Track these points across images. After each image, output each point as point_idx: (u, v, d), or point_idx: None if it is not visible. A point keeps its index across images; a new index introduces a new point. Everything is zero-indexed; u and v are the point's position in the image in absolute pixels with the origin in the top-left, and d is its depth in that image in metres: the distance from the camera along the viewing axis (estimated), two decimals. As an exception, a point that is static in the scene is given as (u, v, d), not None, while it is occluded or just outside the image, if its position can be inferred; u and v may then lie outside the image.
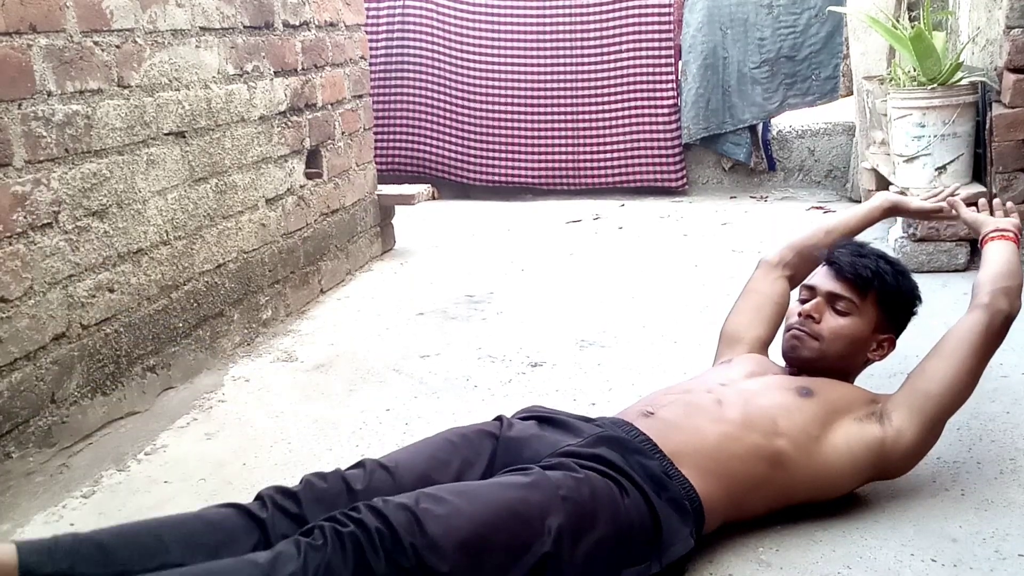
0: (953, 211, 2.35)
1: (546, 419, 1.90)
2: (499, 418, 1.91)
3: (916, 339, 2.19)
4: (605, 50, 5.59)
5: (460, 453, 1.79)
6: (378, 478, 1.70)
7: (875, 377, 2.22)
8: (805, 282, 2.12)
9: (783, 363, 2.10)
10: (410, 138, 5.88)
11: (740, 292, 2.37)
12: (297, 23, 3.56)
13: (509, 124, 5.72)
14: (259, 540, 1.58)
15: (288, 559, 1.45)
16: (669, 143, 5.57)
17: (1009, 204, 2.31)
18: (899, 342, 2.11)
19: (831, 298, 2.03)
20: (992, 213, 2.29)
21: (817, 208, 5.01)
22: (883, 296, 2.03)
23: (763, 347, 2.24)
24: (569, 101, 5.65)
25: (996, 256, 2.10)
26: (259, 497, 1.67)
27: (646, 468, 1.73)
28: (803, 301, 2.08)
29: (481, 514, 1.55)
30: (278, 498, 1.65)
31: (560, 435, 1.82)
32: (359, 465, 1.75)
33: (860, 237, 2.38)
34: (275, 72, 3.39)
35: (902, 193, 3.89)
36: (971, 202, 2.36)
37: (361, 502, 1.55)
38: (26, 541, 1.50)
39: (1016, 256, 2.11)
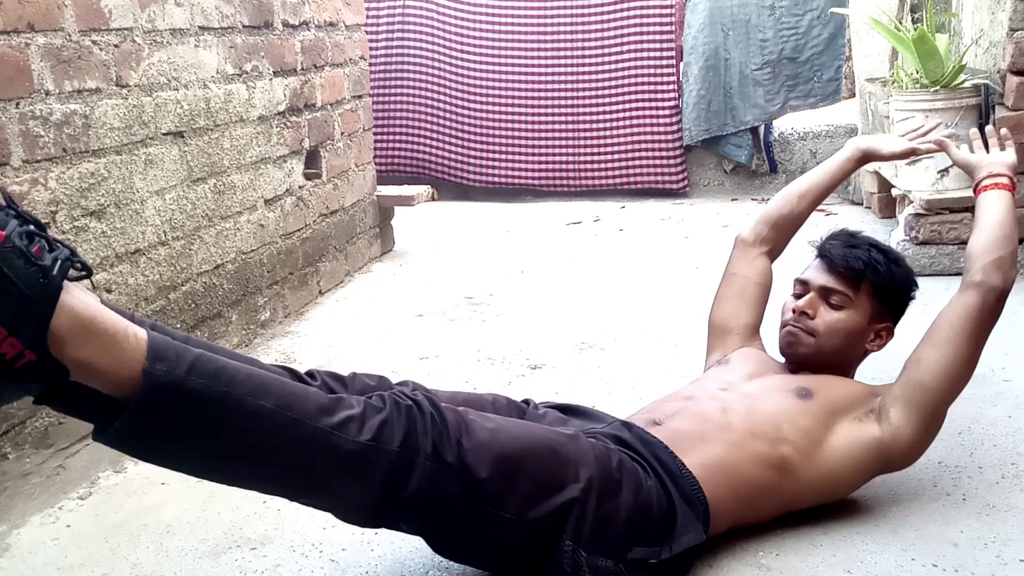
0: (936, 148, 2.25)
1: (569, 409, 1.96)
2: (527, 400, 1.96)
3: (917, 337, 2.17)
4: (606, 51, 5.58)
5: (493, 407, 1.84)
6: (423, 392, 1.72)
7: (876, 373, 2.20)
8: (798, 276, 2.07)
9: (779, 356, 2.08)
10: (410, 139, 5.87)
11: (722, 277, 2.29)
12: (297, 23, 3.55)
13: (509, 125, 5.71)
14: None
15: (350, 405, 1.50)
16: (670, 145, 5.56)
17: (1004, 131, 2.17)
18: (901, 341, 2.08)
19: (824, 292, 2.00)
20: (987, 148, 2.17)
21: (818, 210, 4.99)
22: (877, 286, 1.99)
23: (754, 332, 2.21)
24: (570, 102, 5.64)
25: (989, 216, 1.99)
26: (310, 373, 1.72)
27: (662, 461, 1.75)
28: (796, 296, 2.05)
29: (525, 440, 1.61)
30: (327, 378, 1.72)
31: (583, 422, 1.88)
32: (403, 383, 1.78)
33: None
34: (274, 72, 3.38)
35: (904, 194, 3.89)
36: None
37: (419, 391, 1.62)
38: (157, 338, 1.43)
39: (1011, 211, 1.99)
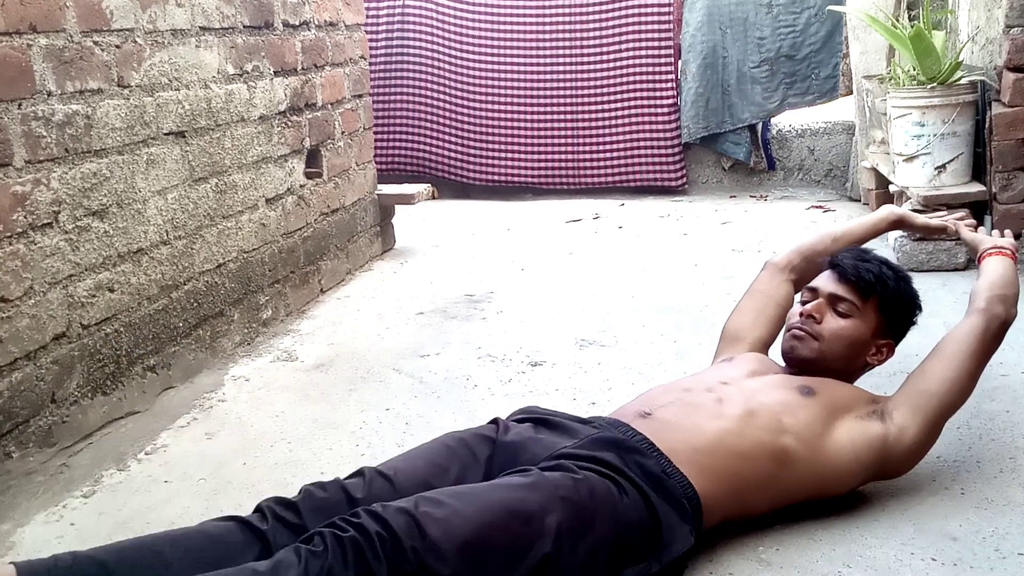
0: (955, 231, 2.41)
1: (542, 421, 1.91)
2: (495, 421, 1.91)
3: (916, 339, 2.19)
4: (605, 49, 5.59)
5: (458, 458, 1.80)
6: (377, 486, 1.71)
7: (875, 376, 2.22)
8: (808, 284, 2.13)
9: (783, 363, 2.10)
10: (410, 138, 5.88)
11: (745, 292, 2.38)
12: (297, 23, 3.56)
13: (509, 123, 5.72)
14: (260, 552, 1.59)
15: (288, 566, 1.45)
16: (669, 142, 5.57)
17: (1008, 232, 2.35)
18: (899, 358, 2.11)
19: (833, 300, 2.04)
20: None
21: (817, 207, 5.01)
22: (884, 301, 2.05)
23: (764, 348, 2.25)
24: (569, 100, 5.65)
25: (993, 268, 2.14)
26: (258, 509, 1.67)
27: (643, 467, 1.73)
28: (805, 302, 2.09)
29: (481, 515, 1.55)
30: (278, 509, 1.66)
31: (556, 437, 1.83)
32: (358, 474, 1.75)
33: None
34: (275, 72, 3.39)
35: (902, 191, 3.91)
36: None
37: (361, 507, 1.55)
38: (25, 561, 1.50)
39: (1013, 270, 2.15)
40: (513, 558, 1.54)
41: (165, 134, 2.75)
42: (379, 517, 1.51)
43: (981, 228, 2.38)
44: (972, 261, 3.59)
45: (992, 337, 2.01)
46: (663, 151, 5.59)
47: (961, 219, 2.47)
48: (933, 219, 2.47)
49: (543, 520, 1.57)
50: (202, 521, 1.69)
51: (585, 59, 5.61)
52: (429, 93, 5.82)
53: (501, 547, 1.54)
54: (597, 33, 5.59)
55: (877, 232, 2.44)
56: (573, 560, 1.58)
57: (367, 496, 1.68)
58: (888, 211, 2.46)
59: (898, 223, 2.45)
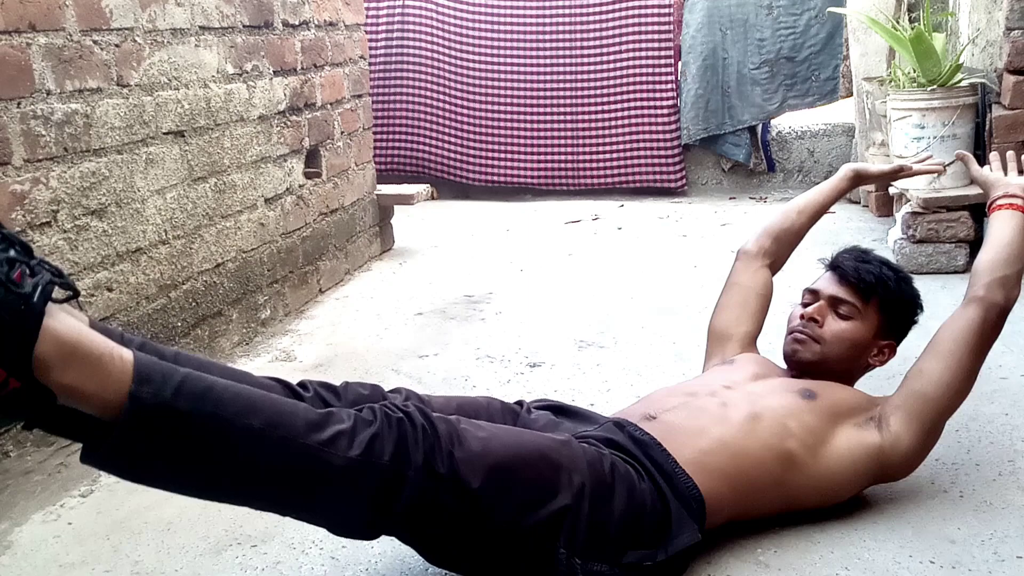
0: (926, 169, 2.41)
1: (561, 410, 1.97)
2: (519, 402, 1.97)
3: (917, 340, 2.18)
4: (605, 50, 5.59)
5: (488, 414, 1.85)
6: (415, 402, 1.73)
7: (875, 379, 2.22)
8: (808, 286, 2.12)
9: (783, 365, 2.10)
10: (409, 138, 5.87)
11: (724, 286, 2.34)
12: (297, 23, 3.56)
13: (508, 124, 5.72)
14: None
15: (339, 419, 1.49)
16: (668, 144, 5.58)
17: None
18: (901, 359, 2.10)
19: (834, 302, 2.03)
20: (1006, 171, 2.21)
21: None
22: (885, 302, 2.03)
23: (752, 341, 2.24)
24: (569, 101, 5.65)
25: (1000, 234, 2.02)
26: (302, 384, 1.72)
27: (654, 460, 1.75)
28: (806, 304, 2.08)
29: (516, 448, 1.61)
30: (320, 389, 1.71)
31: (576, 424, 1.88)
32: (395, 391, 1.79)
33: (855, 240, 2.38)
34: (274, 71, 3.39)
35: (901, 193, 3.90)
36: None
37: (411, 402, 1.62)
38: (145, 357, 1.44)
39: (1020, 232, 2.02)
40: (537, 496, 1.58)
41: (164, 133, 2.75)
42: (426, 415, 1.56)
43: (994, 158, 2.24)
44: (972, 263, 3.60)
45: (991, 328, 1.95)
46: (663, 152, 5.59)
47: (922, 161, 2.46)
48: (888, 163, 2.44)
49: (570, 475, 1.61)
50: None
51: (585, 60, 5.61)
52: (429, 93, 5.81)
53: (528, 482, 1.58)
54: (597, 34, 5.59)
55: (839, 192, 2.40)
56: (588, 523, 1.60)
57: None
58: (845, 169, 2.41)
59: (856, 178, 2.41)
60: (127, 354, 1.36)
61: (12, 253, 1.27)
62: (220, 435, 1.40)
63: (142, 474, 1.45)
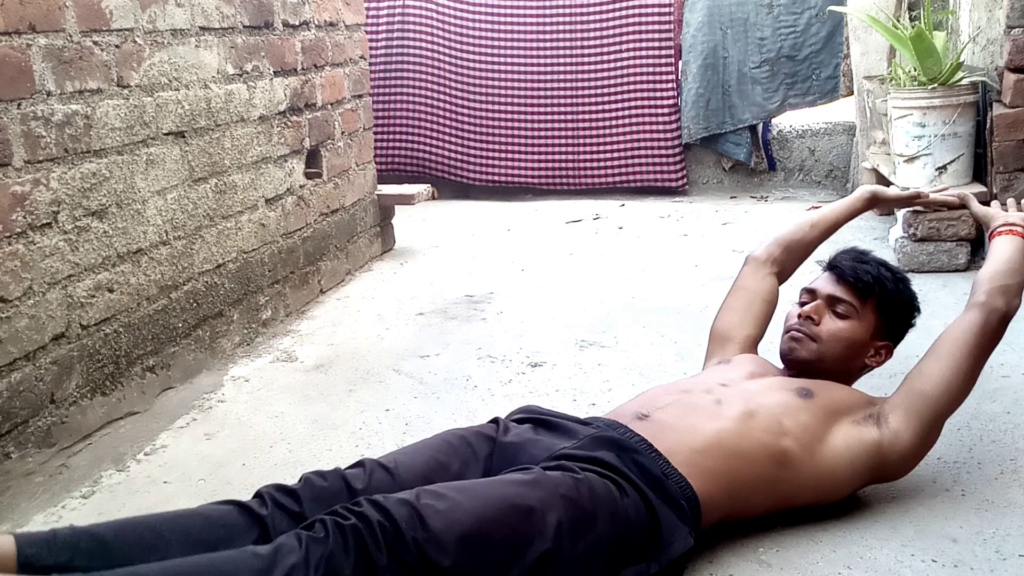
0: (942, 199, 2.41)
1: (541, 422, 1.91)
2: (495, 420, 1.92)
3: (916, 339, 2.18)
4: (605, 50, 5.59)
5: (459, 455, 1.80)
6: (378, 478, 1.71)
7: (874, 378, 2.22)
8: (806, 286, 2.12)
9: (780, 365, 2.10)
10: (410, 138, 5.87)
11: (729, 289, 2.36)
12: (297, 23, 3.56)
13: (509, 124, 5.72)
14: (258, 537, 1.58)
15: (289, 551, 1.44)
16: (669, 143, 5.57)
17: None
18: (898, 359, 2.10)
19: (831, 301, 2.04)
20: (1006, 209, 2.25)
21: (817, 208, 4.98)
22: (883, 302, 2.04)
23: (753, 345, 2.25)
24: (569, 101, 5.65)
25: (1000, 251, 2.07)
26: (258, 495, 1.67)
27: (642, 467, 1.73)
28: (803, 304, 2.08)
29: (482, 509, 1.55)
30: (278, 496, 1.65)
31: (555, 438, 1.83)
32: (359, 465, 1.75)
33: (856, 239, 2.38)
34: (275, 72, 3.39)
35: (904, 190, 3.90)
36: (984, 201, 2.37)
37: (362, 497, 1.55)
38: (25, 533, 1.50)
39: (1020, 252, 2.07)
40: (513, 552, 1.54)
41: (165, 134, 2.75)
42: (381, 507, 1.51)
43: (995, 203, 2.30)
44: (972, 262, 3.60)
45: (992, 332, 1.96)
46: (663, 152, 5.58)
47: (940, 191, 2.48)
48: (905, 191, 2.47)
49: (544, 517, 1.57)
50: (201, 504, 1.68)
51: (586, 59, 5.61)
52: (429, 93, 5.81)
53: (501, 541, 1.54)
54: (598, 33, 5.59)
55: (854, 212, 2.41)
56: (573, 558, 1.58)
57: (367, 487, 1.68)
58: (862, 190, 2.44)
59: (873, 200, 2.42)
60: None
61: None
62: None
63: None
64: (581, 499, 1.62)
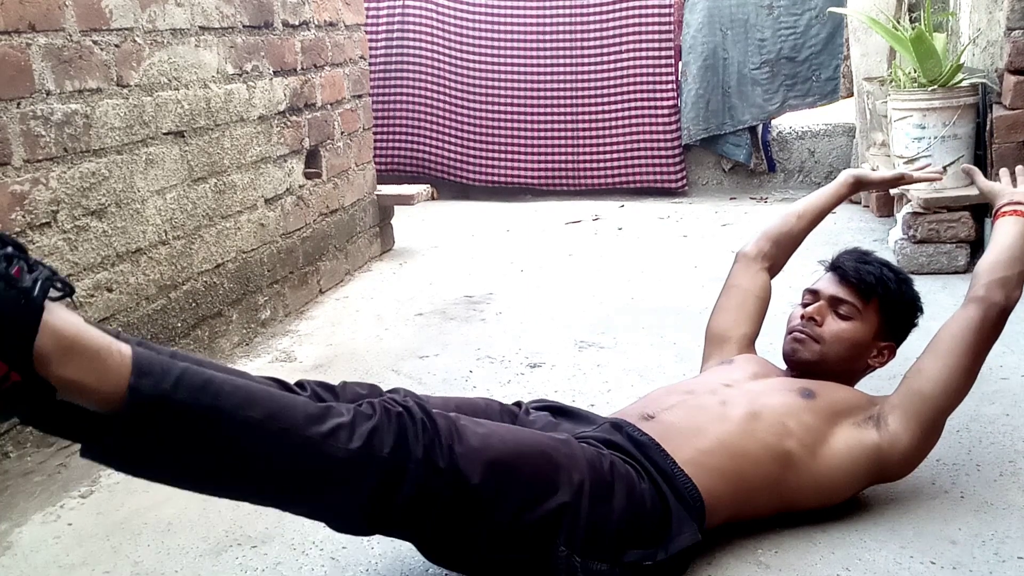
0: (927, 177, 2.44)
1: (560, 410, 1.97)
2: (518, 403, 1.97)
3: (917, 341, 2.18)
4: (605, 50, 5.59)
5: (486, 413, 1.85)
6: (413, 400, 1.72)
7: (875, 379, 2.21)
8: (808, 286, 2.11)
9: (783, 366, 2.10)
10: (409, 138, 5.87)
11: (722, 288, 2.35)
12: (297, 23, 3.56)
13: (509, 124, 5.72)
14: None
15: (339, 413, 1.49)
16: (669, 144, 5.57)
17: None
18: (900, 359, 2.10)
19: (834, 302, 2.03)
20: (1015, 183, 2.22)
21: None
22: (885, 303, 2.03)
23: (751, 343, 2.24)
24: (569, 102, 5.65)
25: (1003, 238, 2.03)
26: (300, 384, 1.71)
27: (654, 461, 1.75)
28: (806, 304, 2.08)
29: (516, 445, 1.61)
30: (317, 388, 1.70)
31: (574, 425, 1.88)
32: (394, 391, 1.78)
33: (855, 241, 2.38)
34: (274, 72, 3.39)
35: (902, 193, 3.90)
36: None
37: (409, 397, 1.61)
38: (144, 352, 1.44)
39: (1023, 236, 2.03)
40: (536, 493, 1.58)
41: (164, 134, 2.75)
42: (425, 410, 1.56)
43: (1003, 174, 2.26)
44: (972, 264, 3.60)
45: (991, 327, 1.94)
46: (663, 153, 5.58)
47: (922, 168, 2.47)
48: (889, 171, 2.47)
49: (570, 473, 1.61)
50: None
51: (585, 60, 5.61)
52: (429, 93, 5.81)
53: (528, 480, 1.58)
54: (598, 34, 5.59)
55: (839, 198, 2.41)
56: (587, 521, 1.60)
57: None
58: (846, 175, 2.43)
59: (857, 184, 2.42)
60: (126, 348, 1.36)
61: (9, 250, 1.28)
62: (219, 427, 1.40)
63: (141, 467, 1.44)
64: (603, 470, 1.66)
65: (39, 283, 1.27)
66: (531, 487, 1.58)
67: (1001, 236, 2.04)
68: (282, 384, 1.68)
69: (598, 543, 1.61)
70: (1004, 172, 2.27)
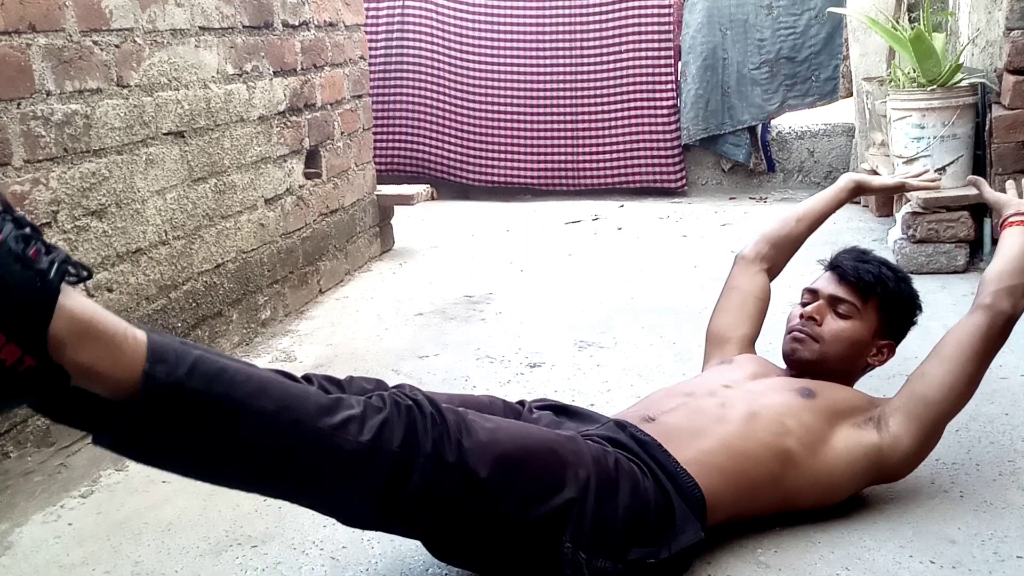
0: (924, 185, 2.44)
1: (563, 410, 1.97)
2: (521, 402, 1.98)
3: (916, 341, 2.19)
4: (605, 50, 5.59)
5: (490, 410, 1.85)
6: (421, 394, 1.73)
7: (875, 378, 2.22)
8: (807, 286, 2.12)
9: (783, 365, 2.10)
10: (409, 138, 5.88)
11: (721, 290, 2.36)
12: (296, 23, 3.56)
13: (508, 124, 5.72)
14: None
15: (348, 405, 1.49)
16: (668, 144, 5.58)
17: None
18: (900, 359, 2.10)
19: (833, 301, 2.04)
20: (1021, 194, 2.23)
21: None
22: (884, 301, 2.03)
23: (751, 344, 2.25)
24: (568, 101, 5.65)
25: (1009, 248, 2.04)
26: (307, 377, 1.70)
27: (657, 459, 1.75)
28: (805, 304, 2.08)
29: (523, 440, 1.62)
30: (324, 382, 1.70)
31: (577, 424, 1.88)
32: (399, 386, 1.78)
33: (855, 240, 2.38)
34: (274, 72, 3.39)
35: (902, 195, 3.90)
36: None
37: (418, 391, 1.61)
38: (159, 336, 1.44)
39: None
40: (543, 489, 1.58)
41: (164, 134, 2.75)
42: (435, 404, 1.56)
43: (1010, 186, 2.26)
44: (971, 264, 3.61)
45: (996, 335, 1.95)
46: (663, 152, 5.59)
47: (918, 176, 2.48)
48: (889, 178, 2.49)
49: (576, 469, 1.62)
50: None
51: (585, 60, 5.61)
52: (429, 93, 5.82)
53: (535, 475, 1.59)
54: (597, 34, 5.59)
55: (839, 202, 2.41)
56: (595, 517, 1.61)
57: None
58: (846, 179, 2.44)
59: (857, 189, 2.43)
60: (140, 334, 1.35)
61: (27, 231, 1.27)
62: (232, 416, 1.40)
63: (151, 455, 1.44)
64: (608, 467, 1.67)
65: (55, 265, 1.26)
66: (538, 483, 1.58)
67: (1008, 245, 2.05)
68: (290, 377, 1.68)
69: (603, 540, 1.61)
70: (1011, 184, 2.27)
